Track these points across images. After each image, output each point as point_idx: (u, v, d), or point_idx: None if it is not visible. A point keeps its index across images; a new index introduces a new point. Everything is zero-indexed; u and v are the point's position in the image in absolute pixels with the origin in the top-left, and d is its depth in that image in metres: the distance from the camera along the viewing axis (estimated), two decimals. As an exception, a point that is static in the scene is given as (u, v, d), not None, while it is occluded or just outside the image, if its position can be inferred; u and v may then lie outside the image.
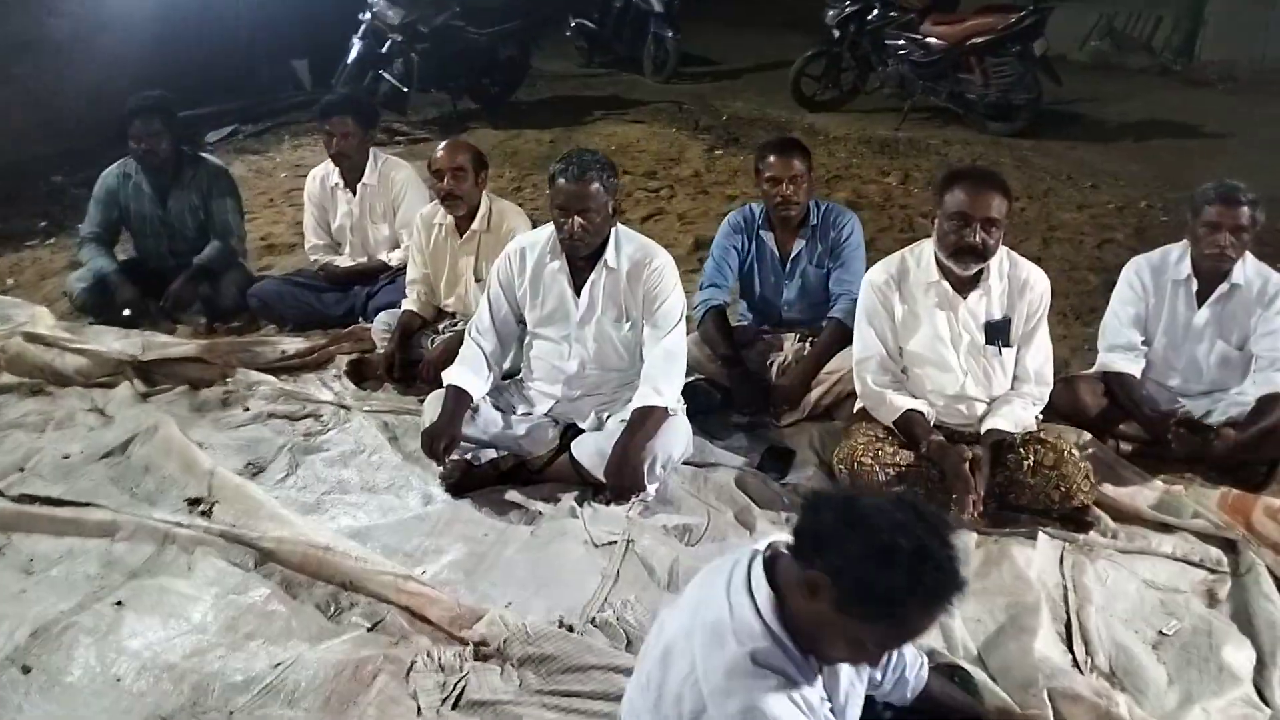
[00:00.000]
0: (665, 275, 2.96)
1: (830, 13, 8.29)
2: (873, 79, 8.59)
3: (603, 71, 10.53)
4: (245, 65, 8.44)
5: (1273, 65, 10.67)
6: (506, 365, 3.20)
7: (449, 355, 3.53)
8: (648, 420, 2.82)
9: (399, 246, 4.26)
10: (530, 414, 3.09)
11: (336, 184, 4.23)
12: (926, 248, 2.99)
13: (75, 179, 6.68)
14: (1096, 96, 9.04)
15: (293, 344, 3.88)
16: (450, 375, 3.02)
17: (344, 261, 4.29)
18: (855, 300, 3.35)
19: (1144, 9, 11.70)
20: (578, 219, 2.84)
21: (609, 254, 2.96)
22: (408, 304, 3.79)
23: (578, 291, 3.00)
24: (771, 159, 3.40)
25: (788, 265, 3.50)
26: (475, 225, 3.68)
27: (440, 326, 3.81)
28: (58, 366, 3.71)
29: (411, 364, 3.68)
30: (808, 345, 3.43)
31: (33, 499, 2.93)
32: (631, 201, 6.16)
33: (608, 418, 3.03)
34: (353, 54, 7.30)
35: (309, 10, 8.81)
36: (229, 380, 3.69)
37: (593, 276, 2.97)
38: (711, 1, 12.30)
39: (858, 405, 3.14)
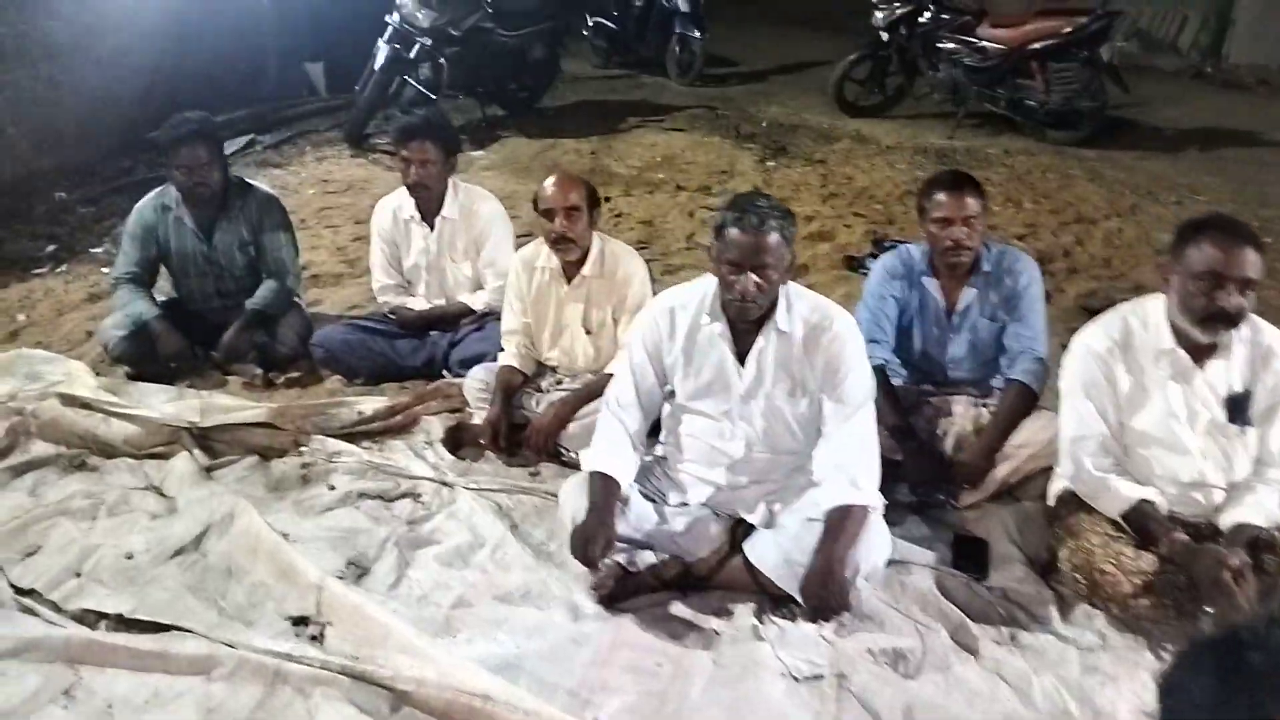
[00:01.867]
0: (848, 342, 2.51)
1: (878, 15, 7.86)
2: (920, 84, 8.18)
3: (622, 73, 10.06)
4: (252, 69, 7.88)
5: (1305, 68, 10.41)
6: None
7: (561, 421, 3.10)
8: (848, 522, 2.36)
9: (481, 287, 3.78)
10: (685, 504, 2.62)
11: (411, 217, 3.74)
12: (1151, 308, 2.55)
13: (77, 196, 6.13)
14: (1141, 101, 8.66)
15: (371, 403, 3.38)
16: (594, 460, 2.55)
17: (418, 304, 3.80)
18: (1039, 360, 2.95)
19: (1169, 9, 11.39)
20: (753, 276, 2.38)
21: (780, 316, 2.50)
22: (506, 358, 3.32)
23: (742, 360, 2.54)
24: (941, 196, 2.96)
25: (954, 317, 3.06)
26: (586, 270, 3.21)
27: (543, 384, 3.34)
28: (101, 435, 3.20)
29: (514, 428, 3.21)
30: (983, 411, 2.98)
31: (98, 616, 2.43)
32: (696, 223, 5.70)
33: (778, 509, 2.57)
34: (379, 59, 6.77)
35: (322, 11, 8.27)
36: (303, 449, 3.20)
37: (760, 343, 2.51)
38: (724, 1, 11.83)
39: (1056, 487, 2.71)
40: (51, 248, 5.46)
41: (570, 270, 3.24)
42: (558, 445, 3.14)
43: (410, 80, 6.98)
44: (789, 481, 2.60)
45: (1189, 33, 11.40)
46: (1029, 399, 2.91)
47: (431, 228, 3.72)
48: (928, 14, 7.70)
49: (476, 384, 3.33)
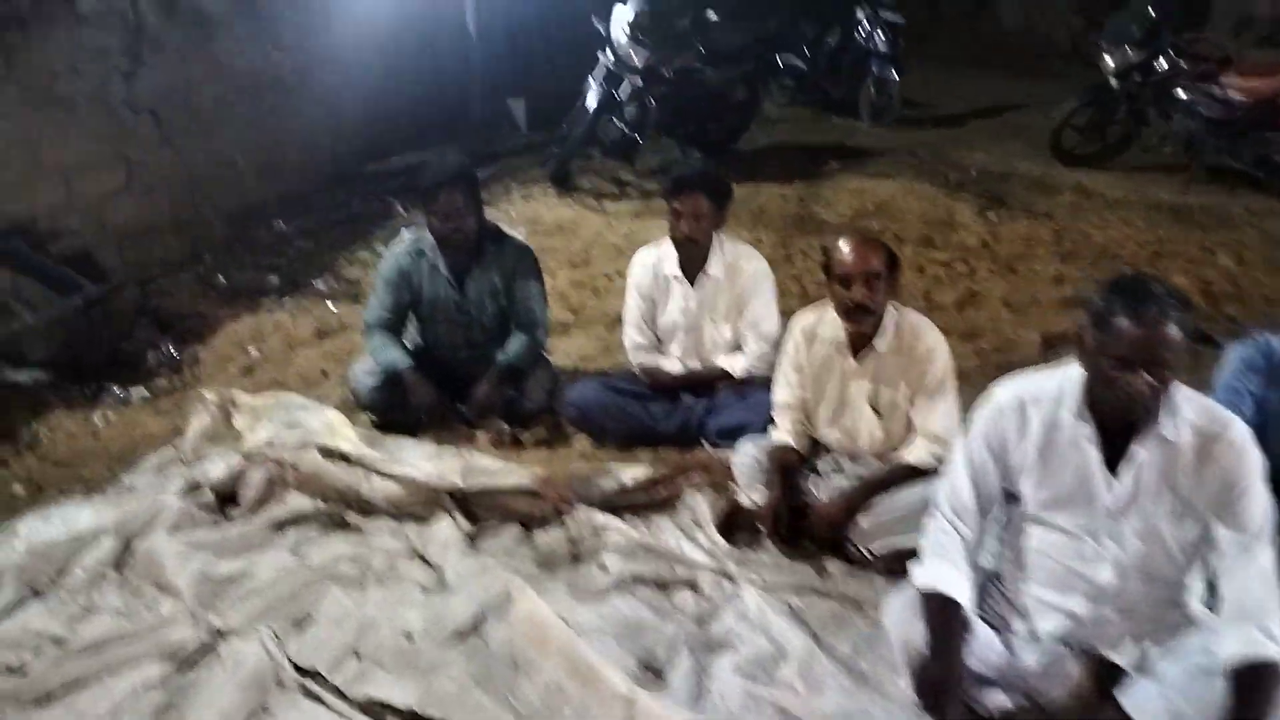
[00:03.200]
0: (1245, 455, 2.13)
1: (1109, 60, 7.35)
2: (1148, 134, 7.60)
3: (807, 113, 9.77)
4: (458, 104, 7.95)
5: None
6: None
7: (851, 512, 2.83)
8: (1264, 681, 1.97)
9: (739, 350, 3.54)
10: (1033, 632, 2.28)
11: (672, 273, 3.53)
12: None
13: (295, 227, 6.23)
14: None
15: (630, 472, 3.17)
16: (929, 576, 2.25)
17: (672, 365, 3.58)
18: None
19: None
20: (1146, 376, 2.04)
21: (1164, 420, 2.14)
22: (781, 435, 3.05)
23: (1113, 469, 2.19)
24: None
25: (1325, 424, 2.63)
26: (880, 344, 2.92)
27: (819, 466, 3.05)
28: (363, 492, 3.09)
29: (794, 514, 2.93)
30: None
31: (384, 708, 2.27)
32: (929, 279, 5.35)
33: (1153, 651, 2.19)
34: (591, 99, 6.68)
35: (524, 47, 8.31)
36: (566, 521, 3.00)
37: (1140, 453, 2.16)
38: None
39: None
40: (275, 279, 5.53)
41: (858, 342, 2.95)
42: (845, 539, 2.85)
43: (614, 120, 6.87)
44: (1162, 617, 2.22)
45: None
46: None
47: (693, 285, 3.51)
48: (1165, 60, 7.14)
49: (747, 460, 3.07)
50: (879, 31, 9.01)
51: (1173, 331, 2.03)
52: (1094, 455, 2.20)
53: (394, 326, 3.67)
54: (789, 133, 9.01)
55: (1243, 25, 11.55)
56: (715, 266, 3.48)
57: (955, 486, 2.35)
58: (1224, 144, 7.00)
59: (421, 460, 3.19)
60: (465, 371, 3.69)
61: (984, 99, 10.47)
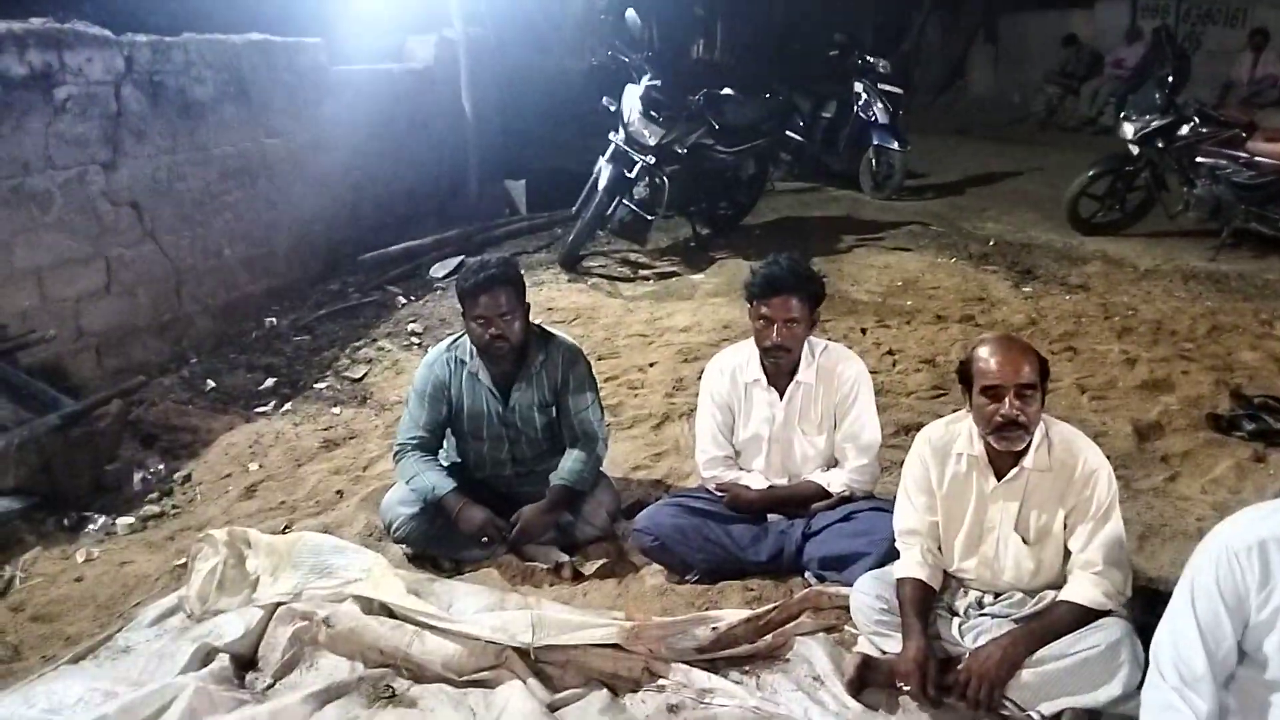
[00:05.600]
0: None
1: (1128, 127, 7.15)
2: (1171, 201, 7.36)
3: (807, 186, 9.52)
4: (454, 187, 7.55)
5: None
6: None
7: (1013, 665, 2.37)
8: None
9: (835, 464, 3.10)
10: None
11: (755, 380, 3.09)
12: None
13: (288, 322, 5.74)
14: None
15: (724, 616, 2.69)
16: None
17: (755, 480, 3.12)
18: None
19: None
20: None
21: None
22: (909, 568, 2.58)
23: (1391, 629, 1.76)
24: None
25: None
26: (1028, 461, 2.49)
27: (958, 605, 2.59)
28: (414, 654, 2.57)
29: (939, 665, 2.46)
30: None
31: None
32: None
33: None
34: (603, 179, 6.33)
35: (521, 128, 7.99)
36: (663, 682, 2.51)
37: None
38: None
39: None
40: (271, 381, 5.03)
41: (1002, 460, 2.52)
42: (1004, 697, 2.38)
43: (625, 201, 6.51)
44: None
45: None
46: None
47: (781, 393, 3.07)
48: (1188, 126, 6.94)
49: (872, 601, 2.60)
50: (878, 102, 8.84)
51: None
52: (1360, 610, 1.77)
53: (431, 446, 3.20)
54: (795, 206, 8.73)
55: (1227, 89, 11.71)
56: (806, 373, 3.04)
57: (1182, 652, 1.90)
58: (1254, 209, 6.78)
59: (482, 612, 2.68)
60: (508, 491, 3.22)
61: (978, 168, 10.33)
